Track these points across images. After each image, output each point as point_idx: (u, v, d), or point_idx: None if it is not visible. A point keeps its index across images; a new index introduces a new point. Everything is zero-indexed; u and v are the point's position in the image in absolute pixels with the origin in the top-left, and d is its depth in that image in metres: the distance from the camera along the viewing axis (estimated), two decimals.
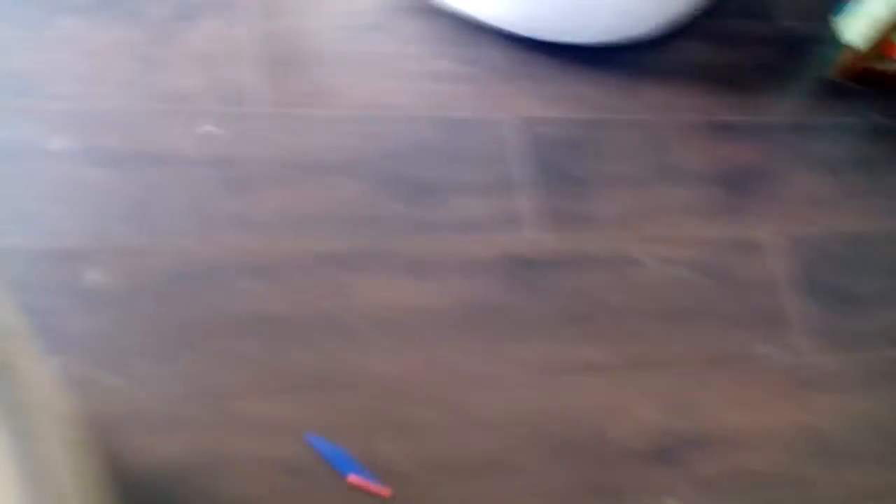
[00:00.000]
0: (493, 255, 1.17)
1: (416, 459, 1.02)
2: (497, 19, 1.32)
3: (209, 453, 0.98)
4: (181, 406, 1.00)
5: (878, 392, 1.18)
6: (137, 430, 0.98)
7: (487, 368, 1.09)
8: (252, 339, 1.05)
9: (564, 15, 1.30)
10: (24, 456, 0.61)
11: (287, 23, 1.28)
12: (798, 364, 1.18)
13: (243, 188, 1.14)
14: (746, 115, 1.39)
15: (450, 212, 1.19)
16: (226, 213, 1.12)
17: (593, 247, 1.21)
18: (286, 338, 1.06)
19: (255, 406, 1.01)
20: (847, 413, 1.15)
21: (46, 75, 1.15)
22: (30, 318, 1.00)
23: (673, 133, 1.34)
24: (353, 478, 0.99)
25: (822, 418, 1.14)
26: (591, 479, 1.05)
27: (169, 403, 0.99)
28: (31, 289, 1.02)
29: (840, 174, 1.37)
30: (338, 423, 1.02)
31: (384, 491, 0.99)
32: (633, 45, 1.39)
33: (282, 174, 1.17)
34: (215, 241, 1.10)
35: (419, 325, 1.10)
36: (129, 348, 1.01)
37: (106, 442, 0.97)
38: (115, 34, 1.21)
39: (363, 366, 1.06)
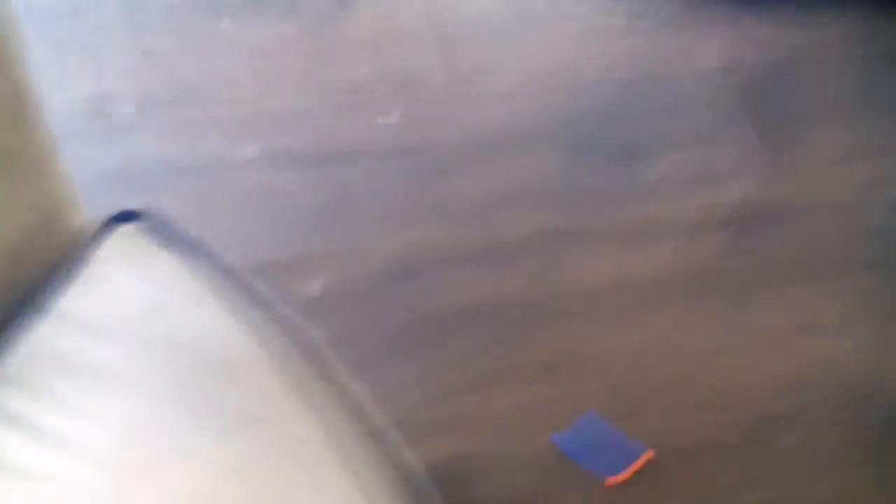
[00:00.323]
0: (704, 215, 1.10)
1: (665, 438, 0.95)
2: None
3: (454, 455, 0.92)
4: (418, 410, 0.94)
5: None
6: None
7: (721, 338, 1.02)
8: (475, 331, 0.99)
9: None
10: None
11: None
12: None
13: (435, 176, 1.09)
14: None
15: (651, 175, 1.12)
16: (422, 204, 1.06)
17: (807, 196, 1.13)
18: (509, 325, 1.00)
19: (491, 401, 0.95)
20: None
21: (217, 83, 1.11)
22: None
23: (864, 65, 1.25)
24: (610, 480, 0.92)
25: None
26: (859, 442, 0.97)
27: (406, 409, 0.94)
28: None
29: None
30: (576, 407, 0.96)
31: (646, 456, 0.92)
32: None
33: (470, 155, 1.11)
34: (417, 234, 1.04)
35: (642, 298, 1.03)
36: (354, 354, 0.96)
37: None
38: (277, 31, 1.15)
39: (592, 345, 0.99)
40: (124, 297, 0.59)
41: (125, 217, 0.63)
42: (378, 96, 1.13)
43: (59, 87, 1.03)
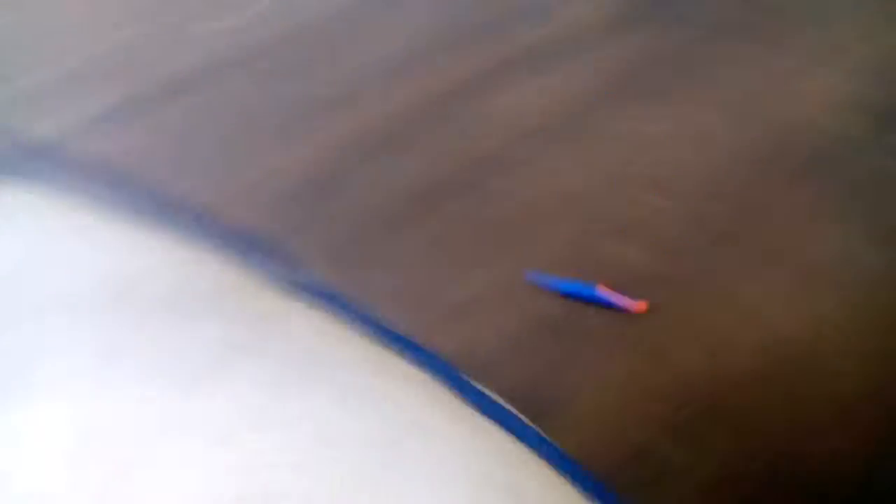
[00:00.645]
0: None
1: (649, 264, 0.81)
2: None
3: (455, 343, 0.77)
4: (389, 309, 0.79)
5: None
6: None
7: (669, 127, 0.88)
8: (417, 221, 0.84)
9: None
10: None
11: None
12: None
13: (319, 57, 0.92)
14: None
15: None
16: (315, 91, 0.90)
17: None
18: (445, 200, 0.84)
19: (462, 279, 0.80)
20: None
21: (19, 47, 0.91)
22: None
23: None
24: (639, 305, 0.77)
25: None
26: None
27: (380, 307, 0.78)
28: None
29: None
30: (552, 255, 0.81)
31: (638, 306, 0.78)
32: None
33: (348, 27, 0.95)
34: (322, 128, 0.88)
35: (567, 120, 0.89)
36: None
37: None
38: None
39: (541, 186, 0.85)
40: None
41: None
42: None
43: None
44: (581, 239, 0.80)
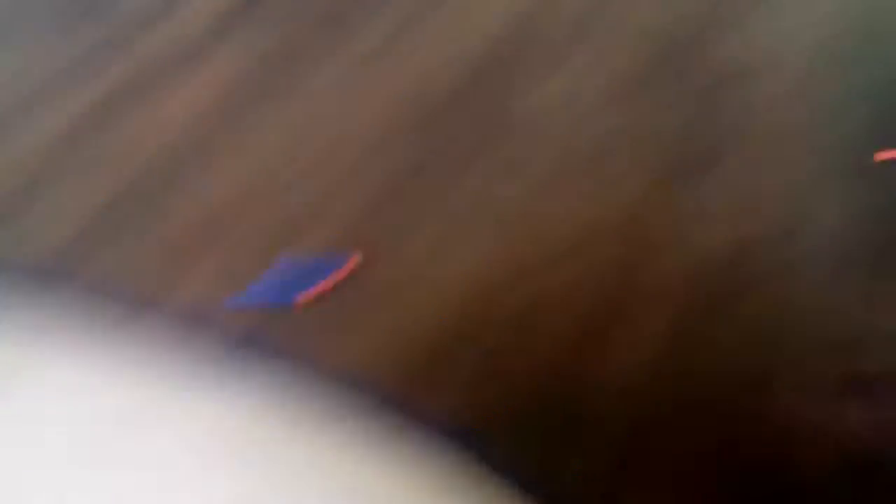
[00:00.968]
0: None
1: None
2: None
3: None
4: None
5: None
6: None
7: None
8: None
9: None
10: None
11: None
12: None
13: None
14: None
15: None
16: None
17: None
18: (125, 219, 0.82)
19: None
20: None
21: None
22: None
23: None
24: (301, 299, 0.73)
25: None
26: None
27: None
28: None
29: None
30: (253, 257, 0.77)
31: (351, 262, 0.74)
32: None
33: None
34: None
35: (220, 124, 0.90)
36: None
37: None
38: None
39: (222, 191, 0.83)
40: None
41: None
42: None
43: None
44: (279, 232, 0.78)
